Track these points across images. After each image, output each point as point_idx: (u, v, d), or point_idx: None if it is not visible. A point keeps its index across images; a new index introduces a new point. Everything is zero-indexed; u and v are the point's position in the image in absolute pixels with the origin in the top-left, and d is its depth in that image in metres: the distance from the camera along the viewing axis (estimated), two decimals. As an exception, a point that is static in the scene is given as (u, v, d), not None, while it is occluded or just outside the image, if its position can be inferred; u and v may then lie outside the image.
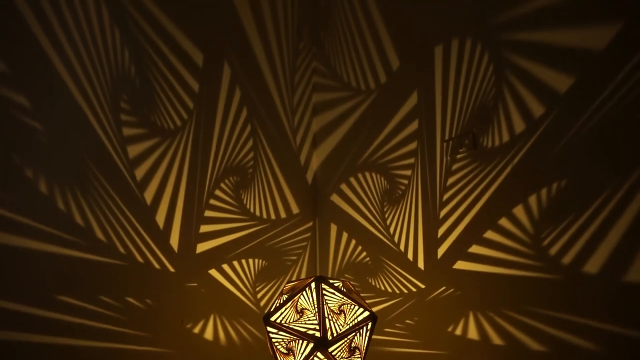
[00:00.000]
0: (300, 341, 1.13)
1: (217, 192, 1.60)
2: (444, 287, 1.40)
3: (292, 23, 1.91)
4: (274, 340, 1.14)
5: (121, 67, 1.43)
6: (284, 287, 1.25)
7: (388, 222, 1.60)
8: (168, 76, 1.53)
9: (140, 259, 1.41)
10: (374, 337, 1.49)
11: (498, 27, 1.31)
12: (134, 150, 1.43)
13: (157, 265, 1.44)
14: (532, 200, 1.20)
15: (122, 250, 1.38)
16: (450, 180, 1.40)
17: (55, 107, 1.31)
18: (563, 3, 1.17)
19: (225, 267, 1.60)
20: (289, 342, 1.14)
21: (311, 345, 1.12)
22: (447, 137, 1.43)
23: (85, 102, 1.35)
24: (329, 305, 1.16)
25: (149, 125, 1.47)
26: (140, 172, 1.44)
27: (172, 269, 1.47)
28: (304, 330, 1.13)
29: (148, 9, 1.50)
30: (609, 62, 1.07)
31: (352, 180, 1.74)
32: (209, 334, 1.52)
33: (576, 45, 1.14)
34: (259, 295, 1.67)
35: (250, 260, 1.66)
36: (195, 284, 1.52)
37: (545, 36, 1.20)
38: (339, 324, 1.15)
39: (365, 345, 1.17)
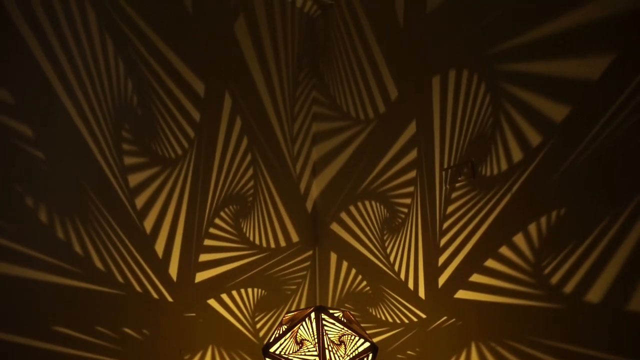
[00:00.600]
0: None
1: (217, 221, 1.60)
2: (445, 317, 1.38)
3: (292, 55, 1.95)
4: None
5: (124, 96, 1.46)
6: (284, 317, 1.24)
7: (388, 250, 1.59)
8: (170, 106, 1.55)
9: (138, 289, 1.39)
10: (374, 368, 1.46)
11: (494, 57, 1.33)
12: (134, 179, 1.44)
13: (155, 295, 1.43)
14: (532, 228, 1.20)
15: (120, 279, 1.36)
16: (450, 208, 1.41)
17: (57, 135, 1.32)
18: (556, 35, 1.20)
19: (224, 296, 1.58)
20: (289, 373, 1.12)
21: (311, 376, 1.10)
22: (446, 166, 1.44)
23: (87, 131, 1.37)
24: (329, 335, 1.15)
25: (150, 154, 1.48)
26: (140, 201, 1.44)
27: (170, 299, 1.45)
28: (303, 361, 1.12)
29: (151, 40, 1.54)
30: (603, 92, 1.09)
31: (352, 208, 1.74)
32: (206, 366, 1.49)
33: (571, 75, 1.16)
34: (258, 326, 1.64)
35: (250, 290, 1.65)
36: (193, 314, 1.50)
37: (540, 67, 1.22)
38: (339, 355, 1.14)
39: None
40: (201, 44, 1.66)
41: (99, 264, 1.34)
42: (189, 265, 1.52)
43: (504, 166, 1.28)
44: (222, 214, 1.62)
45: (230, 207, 1.65)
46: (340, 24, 1.91)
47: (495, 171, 1.30)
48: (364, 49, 1.78)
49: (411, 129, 1.57)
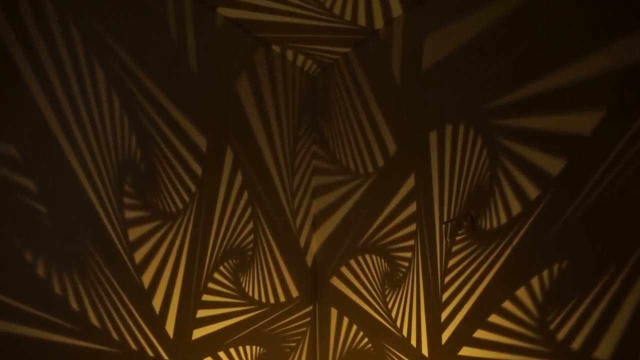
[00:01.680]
0: None
1: (216, 275, 1.58)
2: (450, 376, 1.34)
3: (293, 111, 2.00)
4: None
5: (127, 151, 1.48)
6: None
7: (390, 305, 1.56)
8: (172, 161, 1.58)
9: (133, 346, 1.36)
10: None
11: (489, 113, 1.37)
12: (134, 233, 1.44)
13: (150, 353, 1.38)
14: (535, 282, 1.18)
15: (115, 336, 1.33)
16: (451, 262, 1.40)
17: (60, 189, 1.33)
18: (549, 92, 1.24)
19: (222, 354, 1.53)
20: None
21: None
22: (445, 219, 1.44)
23: (90, 185, 1.38)
24: None
25: (151, 208, 1.49)
26: (139, 255, 1.43)
27: (166, 357, 1.41)
28: None
29: (156, 97, 1.58)
30: (596, 146, 1.12)
31: (352, 262, 1.72)
32: None
33: (564, 129, 1.19)
34: (256, 386, 1.58)
35: (248, 347, 1.60)
36: (189, 374, 1.45)
37: (534, 121, 1.26)
38: None
39: None
40: (204, 101, 1.72)
41: (94, 321, 1.31)
42: (187, 321, 1.48)
43: (504, 219, 1.28)
44: (221, 268, 1.60)
45: (230, 261, 1.64)
46: (339, 81, 1.98)
47: (495, 224, 1.30)
48: (363, 105, 1.84)
49: (410, 183, 1.58)
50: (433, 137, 1.54)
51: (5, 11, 1.30)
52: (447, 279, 1.40)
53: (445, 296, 1.39)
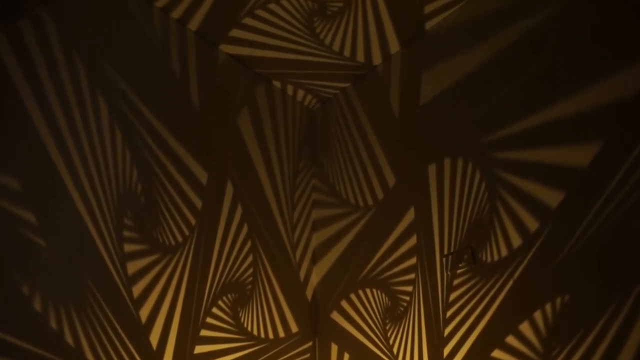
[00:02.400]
0: None
1: (215, 310, 1.56)
2: (454, 415, 1.30)
3: (292, 145, 2.03)
4: None
5: (128, 184, 1.49)
6: None
7: (391, 341, 1.53)
8: (173, 194, 1.58)
9: (129, 384, 1.32)
10: None
11: (487, 146, 1.39)
12: (133, 267, 1.42)
13: (146, 391, 1.35)
14: (538, 316, 1.17)
15: (111, 373, 1.30)
16: (452, 296, 1.38)
17: (60, 222, 1.33)
18: (546, 125, 1.26)
19: (219, 392, 1.49)
20: None
21: None
22: (446, 252, 1.44)
23: (90, 218, 1.38)
24: None
25: (151, 241, 1.48)
26: (137, 289, 1.41)
27: (162, 395, 1.37)
28: None
29: (158, 132, 1.60)
30: (594, 178, 1.13)
31: (353, 296, 1.70)
32: None
33: (562, 162, 1.20)
34: None
35: (246, 385, 1.56)
36: (186, 413, 1.41)
37: (532, 154, 1.27)
38: None
39: None
40: (206, 135, 1.74)
41: (89, 356, 1.28)
42: (185, 357, 1.45)
43: (504, 252, 1.28)
44: (220, 302, 1.58)
45: (229, 295, 1.62)
46: (339, 115, 2.01)
47: (496, 257, 1.30)
48: (362, 139, 1.86)
49: (410, 216, 1.59)
50: (432, 170, 1.55)
51: (9, 40, 1.33)
52: (448, 313, 1.38)
53: (447, 331, 1.37)
